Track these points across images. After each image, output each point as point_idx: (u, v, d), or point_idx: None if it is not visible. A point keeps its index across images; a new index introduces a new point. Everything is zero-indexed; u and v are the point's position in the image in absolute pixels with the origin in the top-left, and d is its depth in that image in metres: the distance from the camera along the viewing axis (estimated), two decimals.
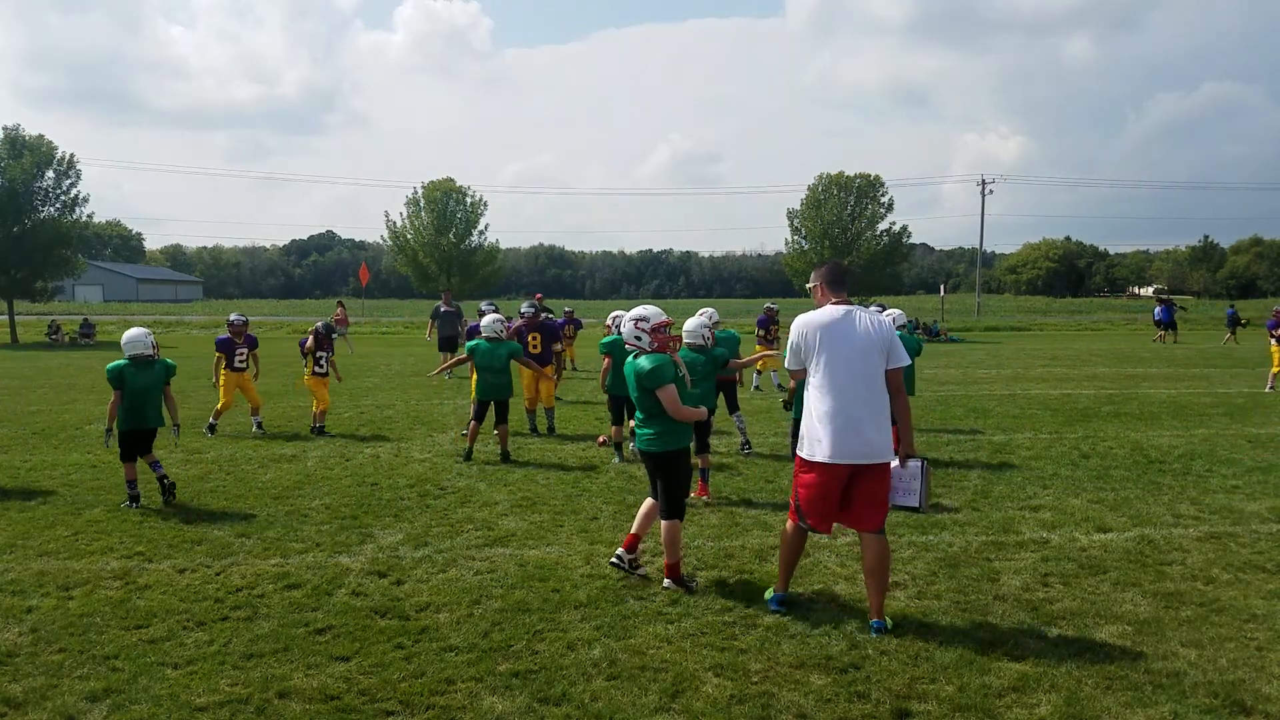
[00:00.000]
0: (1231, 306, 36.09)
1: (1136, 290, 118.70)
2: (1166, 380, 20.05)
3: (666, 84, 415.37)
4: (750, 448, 11.14)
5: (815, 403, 5.31)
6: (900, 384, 5.32)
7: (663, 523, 6.10)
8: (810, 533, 5.57)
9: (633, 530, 6.37)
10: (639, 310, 6.32)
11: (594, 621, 5.50)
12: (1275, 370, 18.15)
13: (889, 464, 5.35)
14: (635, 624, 5.46)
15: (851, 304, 5.42)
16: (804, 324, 5.40)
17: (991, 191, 65.63)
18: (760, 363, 17.53)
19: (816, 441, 5.28)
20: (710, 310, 11.87)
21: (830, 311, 5.35)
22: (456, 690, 4.59)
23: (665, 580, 6.11)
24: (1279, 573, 6.42)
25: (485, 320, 11.05)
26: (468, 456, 10.58)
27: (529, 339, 12.69)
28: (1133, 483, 9.38)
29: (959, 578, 6.30)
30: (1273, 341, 18.42)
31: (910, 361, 5.40)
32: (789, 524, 5.61)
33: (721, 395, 11.38)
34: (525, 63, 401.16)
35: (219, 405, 12.67)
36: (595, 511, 8.20)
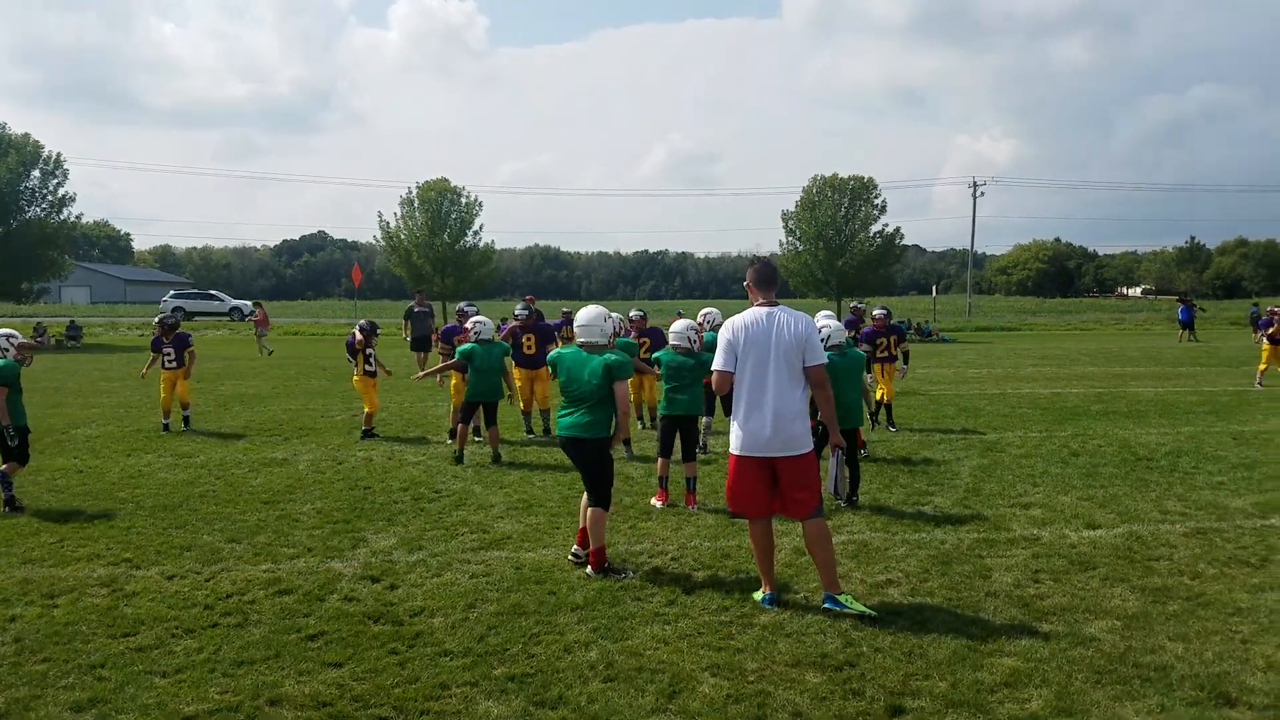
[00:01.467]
0: (1254, 304, 36.29)
1: (1125, 291, 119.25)
2: (1154, 379, 20.14)
3: (665, 84, 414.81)
4: None
5: (738, 400, 5.63)
6: (821, 379, 5.61)
7: (591, 510, 6.37)
8: (750, 520, 5.84)
9: (581, 526, 6.54)
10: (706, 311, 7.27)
11: (590, 623, 5.50)
12: (1263, 367, 18.30)
13: (809, 453, 5.61)
14: (632, 625, 5.46)
15: (776, 305, 5.68)
16: (730, 326, 5.71)
17: (983, 193, 65.86)
18: None
19: (738, 437, 5.63)
20: (712, 311, 11.91)
21: (754, 313, 5.65)
22: (451, 695, 4.59)
23: (589, 570, 6.31)
24: (1263, 567, 6.47)
25: (479, 321, 11.04)
26: (459, 459, 10.56)
27: (524, 340, 12.67)
28: (1121, 480, 9.42)
29: (951, 574, 6.33)
30: (1263, 339, 18.55)
31: (826, 359, 5.67)
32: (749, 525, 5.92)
33: (719, 398, 11.38)
34: (522, 62, 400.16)
35: (161, 402, 13.29)
36: None
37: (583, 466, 6.51)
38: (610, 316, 6.90)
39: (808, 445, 5.60)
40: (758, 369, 5.54)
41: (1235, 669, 4.77)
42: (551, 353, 6.82)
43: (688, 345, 8.66)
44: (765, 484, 5.65)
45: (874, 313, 13.55)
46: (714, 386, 5.74)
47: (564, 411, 6.52)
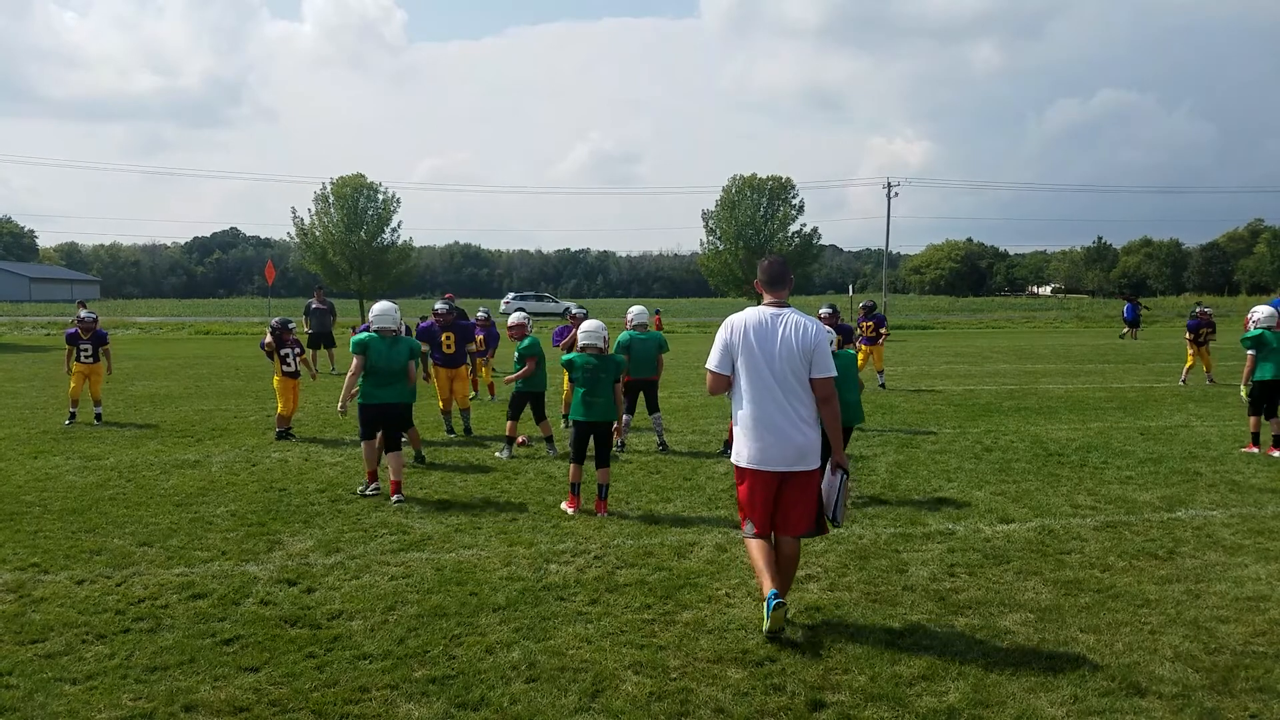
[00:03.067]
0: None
1: (1035, 289, 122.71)
2: (1064, 376, 20.75)
3: (584, 83, 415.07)
4: (666, 449, 11.20)
5: (739, 408, 5.26)
6: (827, 392, 5.15)
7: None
8: (753, 535, 5.32)
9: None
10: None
11: (513, 624, 5.47)
12: (1189, 365, 18.95)
13: (815, 471, 5.25)
14: (554, 625, 5.45)
15: (787, 306, 5.26)
16: (729, 325, 5.31)
17: (897, 194, 67.07)
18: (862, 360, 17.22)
19: (743, 448, 5.25)
20: (638, 309, 11.96)
21: (759, 313, 5.24)
22: (371, 699, 4.52)
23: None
24: (1170, 559, 6.70)
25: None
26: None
27: (443, 338, 12.54)
28: (1033, 475, 9.69)
29: (869, 569, 6.44)
30: (1188, 339, 19.11)
31: (835, 372, 5.19)
32: (746, 537, 5.40)
33: (642, 395, 11.44)
34: (438, 57, 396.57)
35: (69, 392, 13.63)
36: (514, 513, 8.15)
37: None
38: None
39: (816, 460, 5.23)
40: (760, 375, 5.14)
41: (1145, 659, 4.93)
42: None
43: (601, 346, 8.39)
44: (769, 492, 5.27)
45: (820, 311, 12.84)
46: (709, 389, 5.40)
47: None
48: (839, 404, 5.23)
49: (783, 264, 5.42)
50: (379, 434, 8.94)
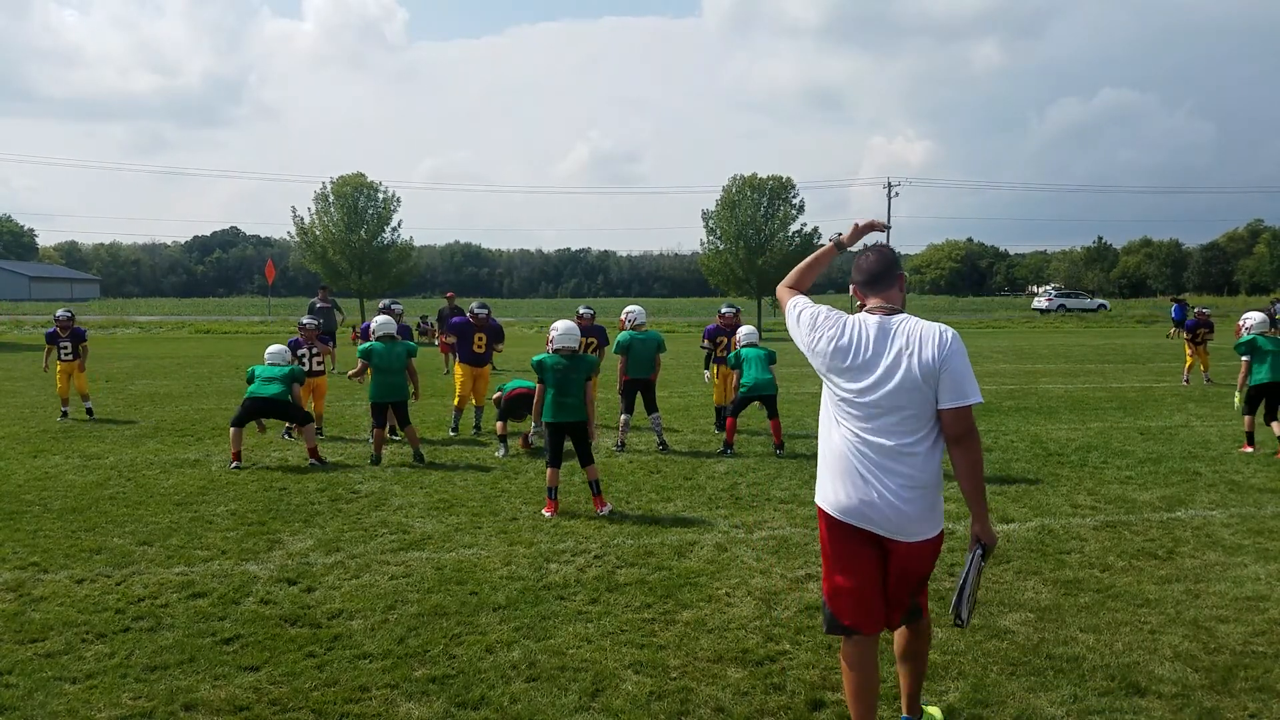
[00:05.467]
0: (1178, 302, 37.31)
1: (1035, 289, 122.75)
2: (1064, 376, 20.75)
3: (584, 82, 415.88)
4: (666, 448, 11.20)
5: (826, 438, 3.80)
6: (961, 428, 3.55)
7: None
8: (853, 635, 3.74)
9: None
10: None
11: (513, 623, 5.47)
12: (1189, 364, 18.99)
13: (928, 543, 3.68)
14: (554, 624, 5.45)
15: (897, 311, 3.74)
16: (831, 314, 3.82)
17: (898, 194, 67.10)
18: None
19: (825, 483, 3.78)
20: (635, 309, 11.97)
21: (858, 322, 3.74)
22: (371, 698, 4.52)
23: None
24: (1170, 559, 6.70)
25: (380, 320, 10.94)
26: (376, 460, 10.41)
27: (475, 339, 12.57)
28: (1033, 474, 9.69)
29: None
30: (1186, 339, 19.17)
31: (977, 397, 3.56)
32: (830, 633, 3.92)
33: (640, 395, 11.46)
34: (439, 57, 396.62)
35: (58, 390, 14.18)
36: (514, 512, 8.15)
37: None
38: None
39: (936, 526, 3.69)
40: (850, 405, 3.66)
41: (1144, 659, 4.94)
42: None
43: (574, 347, 8.29)
44: (874, 565, 3.69)
45: (721, 310, 12.86)
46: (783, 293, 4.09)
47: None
48: (974, 441, 3.59)
49: (889, 257, 3.84)
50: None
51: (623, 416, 11.43)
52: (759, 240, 46.31)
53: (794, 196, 47.64)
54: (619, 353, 11.40)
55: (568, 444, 8.26)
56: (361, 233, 45.02)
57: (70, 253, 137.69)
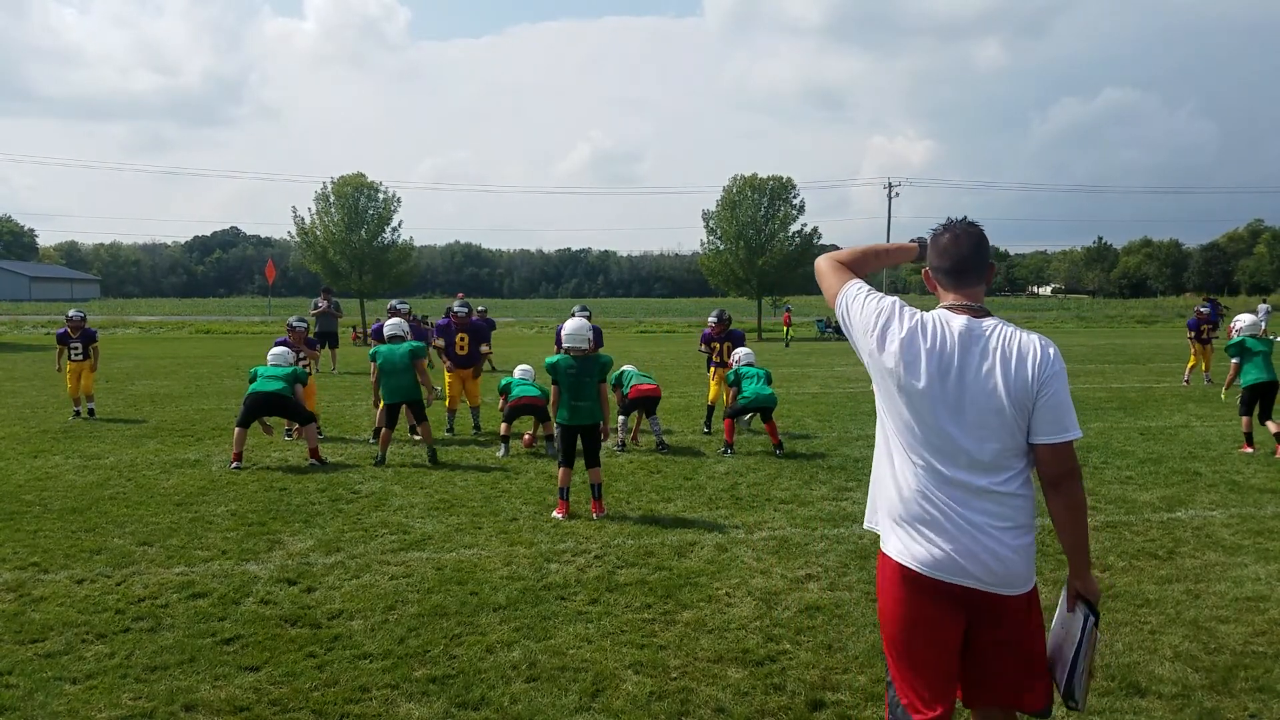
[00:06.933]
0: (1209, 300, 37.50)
1: (1035, 289, 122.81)
2: None
3: (585, 82, 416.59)
4: (666, 448, 11.20)
5: (890, 473, 3.00)
6: (1063, 469, 2.87)
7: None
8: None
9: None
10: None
11: (513, 623, 5.47)
12: (1191, 364, 19.05)
13: (1024, 598, 2.91)
14: (555, 625, 5.45)
15: (988, 314, 2.93)
16: (906, 313, 2.94)
17: (898, 194, 67.10)
18: None
19: (903, 538, 2.93)
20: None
21: (938, 320, 2.90)
22: (371, 698, 4.52)
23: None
24: (1170, 559, 6.70)
25: (390, 323, 10.96)
26: (380, 462, 10.39)
27: (457, 339, 12.55)
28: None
29: (870, 569, 6.43)
30: (1190, 336, 19.27)
31: (1078, 431, 2.90)
32: None
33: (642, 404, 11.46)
34: (440, 57, 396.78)
35: (68, 392, 14.30)
36: (515, 512, 8.15)
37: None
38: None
39: (1032, 579, 2.94)
40: (926, 430, 2.85)
41: (1144, 659, 4.93)
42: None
43: (585, 347, 8.19)
44: (952, 629, 2.89)
45: (709, 319, 12.91)
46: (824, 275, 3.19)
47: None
48: (1076, 482, 2.90)
49: (984, 240, 3.01)
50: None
51: (620, 418, 11.45)
52: (759, 240, 46.30)
53: (794, 197, 47.64)
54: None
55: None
56: (362, 233, 45.00)
57: (70, 253, 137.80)
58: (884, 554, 2.98)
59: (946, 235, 3.00)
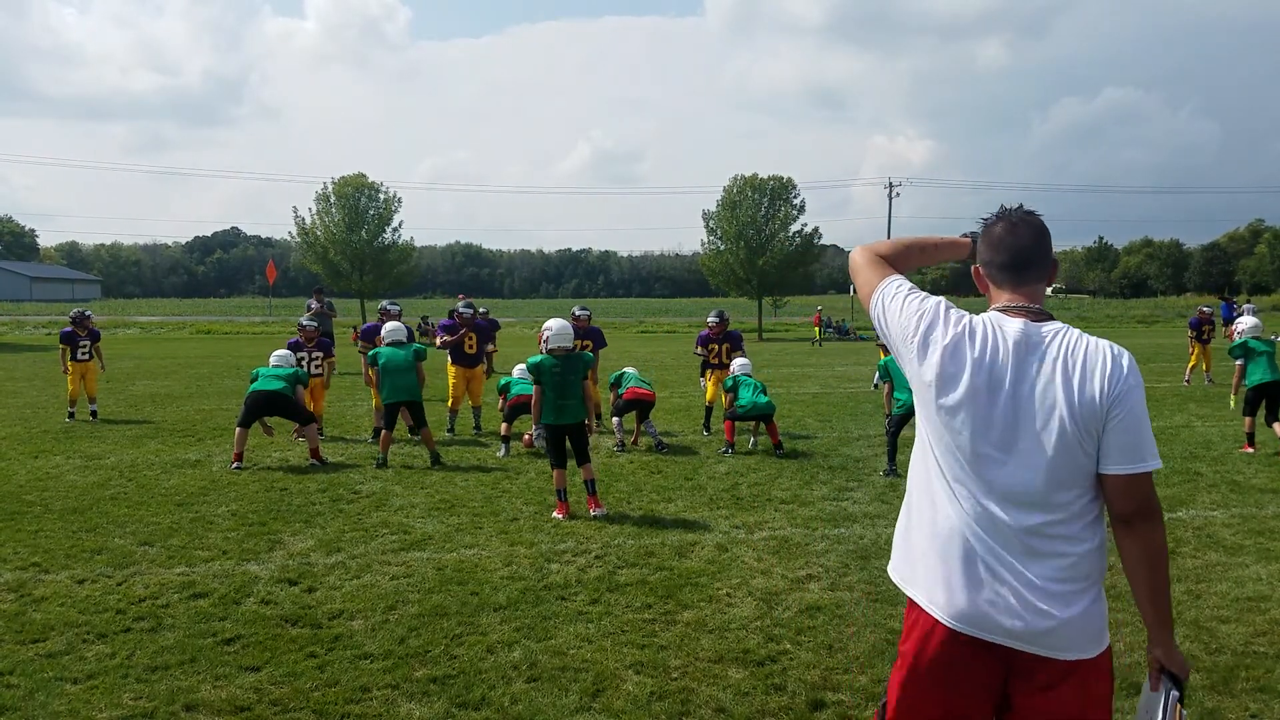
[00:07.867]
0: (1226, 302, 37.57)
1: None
2: None
3: (585, 82, 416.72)
4: (665, 447, 11.20)
5: (928, 503, 2.52)
6: (1138, 506, 2.44)
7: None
8: None
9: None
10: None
11: (514, 624, 5.47)
12: (1192, 364, 19.07)
13: (1085, 664, 2.46)
14: (555, 625, 5.45)
15: (1047, 317, 2.46)
16: (952, 317, 2.50)
17: (899, 194, 67.13)
18: None
19: (933, 581, 2.48)
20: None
21: (990, 325, 2.46)
22: (372, 698, 4.52)
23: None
24: (1170, 559, 6.65)
25: (389, 327, 10.97)
26: (382, 464, 10.37)
27: (465, 339, 12.57)
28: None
29: (870, 569, 6.43)
30: (1190, 336, 19.31)
31: (1158, 460, 2.38)
32: None
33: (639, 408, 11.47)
34: (440, 56, 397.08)
35: (69, 393, 14.02)
36: (515, 512, 8.16)
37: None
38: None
39: (1100, 642, 2.52)
40: (972, 455, 2.40)
41: (1145, 659, 4.93)
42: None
43: (569, 346, 8.21)
44: (983, 697, 2.43)
45: (708, 319, 12.88)
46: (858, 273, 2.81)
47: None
48: (1155, 522, 2.49)
49: (1037, 230, 2.57)
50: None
51: (615, 419, 11.46)
52: (760, 240, 46.33)
53: (795, 197, 47.67)
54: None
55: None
56: (362, 233, 45.06)
57: (71, 253, 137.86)
58: (912, 602, 2.54)
59: (1000, 225, 2.60)
